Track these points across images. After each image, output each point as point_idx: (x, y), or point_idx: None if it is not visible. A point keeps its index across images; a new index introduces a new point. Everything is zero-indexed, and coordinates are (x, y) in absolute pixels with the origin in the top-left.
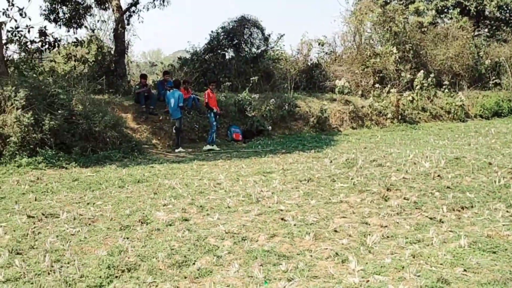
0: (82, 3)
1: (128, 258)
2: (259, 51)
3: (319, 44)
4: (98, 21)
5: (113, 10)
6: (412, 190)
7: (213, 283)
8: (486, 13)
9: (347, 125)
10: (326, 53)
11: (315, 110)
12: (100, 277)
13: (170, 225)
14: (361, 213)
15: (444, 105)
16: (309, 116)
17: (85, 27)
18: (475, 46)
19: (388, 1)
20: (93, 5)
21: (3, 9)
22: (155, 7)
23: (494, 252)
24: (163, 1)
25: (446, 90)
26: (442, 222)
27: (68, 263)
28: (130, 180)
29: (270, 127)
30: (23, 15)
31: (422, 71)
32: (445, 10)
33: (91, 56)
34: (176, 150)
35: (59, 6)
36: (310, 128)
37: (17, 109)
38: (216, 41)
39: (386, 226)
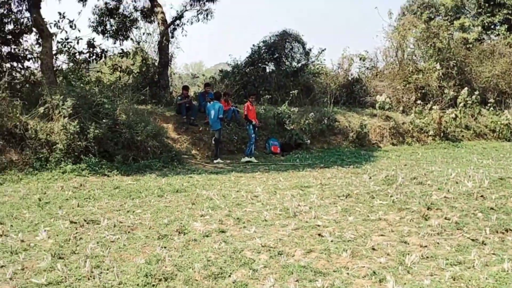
0: (129, 16)
1: (165, 267)
2: (300, 65)
3: (360, 59)
4: (143, 33)
5: (158, 23)
6: (454, 210)
7: None
8: None
9: (387, 141)
10: (367, 68)
11: (354, 125)
12: (137, 285)
13: (207, 236)
14: (400, 232)
15: (489, 123)
16: (348, 131)
17: (131, 39)
18: None
19: (432, 17)
20: (139, 18)
21: (55, 21)
22: (198, 20)
23: None
24: (207, 15)
25: (491, 108)
26: (485, 244)
27: (108, 269)
28: (169, 189)
29: (308, 141)
30: (73, 27)
31: (466, 88)
32: (492, 27)
33: (136, 68)
34: (215, 161)
35: (107, 18)
36: (349, 143)
37: (64, 117)
38: (257, 54)
39: (425, 246)
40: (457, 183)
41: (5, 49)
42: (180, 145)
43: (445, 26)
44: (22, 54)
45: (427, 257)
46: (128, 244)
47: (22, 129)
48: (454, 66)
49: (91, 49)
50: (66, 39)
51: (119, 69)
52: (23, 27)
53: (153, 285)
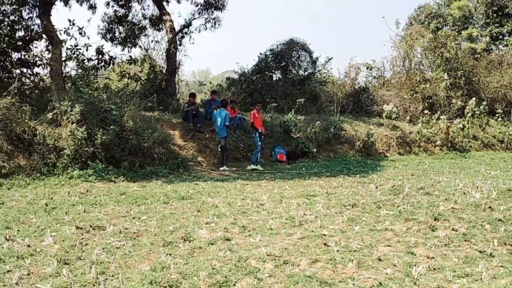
0: (137, 23)
1: (170, 275)
2: (307, 73)
3: (367, 68)
4: (151, 41)
5: (166, 31)
6: (461, 221)
7: None
8: None
9: (394, 151)
10: (374, 77)
11: (361, 134)
12: None
13: (212, 244)
14: (407, 243)
15: (497, 134)
16: (355, 140)
17: (139, 46)
18: None
19: (440, 27)
20: (147, 26)
21: (65, 28)
22: (206, 29)
23: None
24: (215, 23)
25: (500, 119)
26: (493, 256)
27: (113, 276)
28: (175, 196)
29: (315, 149)
30: (82, 34)
31: (474, 98)
32: (500, 37)
33: (144, 75)
34: (221, 169)
35: (116, 26)
36: (355, 152)
37: (72, 123)
38: (264, 62)
39: (432, 258)
40: (464, 194)
41: (16, 55)
42: (186, 152)
43: (453, 36)
44: (32, 60)
45: (434, 269)
46: (134, 251)
47: (31, 135)
48: (462, 76)
49: (100, 56)
50: (76, 46)
51: (127, 76)
52: (33, 34)
53: None
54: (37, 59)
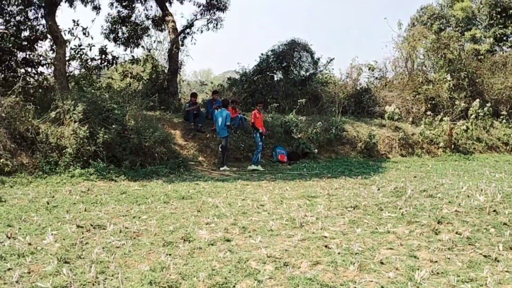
0: (140, 24)
1: (170, 275)
2: (308, 74)
3: (369, 68)
4: (154, 41)
5: (168, 32)
6: (465, 225)
7: None
8: None
9: (396, 152)
10: (376, 78)
11: (363, 135)
12: None
13: (212, 244)
14: (409, 246)
15: (502, 136)
16: (356, 141)
17: (142, 46)
18: None
19: (443, 28)
20: (150, 27)
21: (69, 28)
22: (208, 29)
23: None
24: (217, 24)
25: (504, 121)
26: (498, 261)
27: (112, 275)
28: (175, 196)
29: (316, 150)
30: (86, 34)
31: (478, 99)
32: (504, 38)
33: (146, 74)
34: (221, 168)
35: (119, 26)
36: (357, 153)
37: (75, 122)
38: (266, 63)
39: (436, 261)
40: (468, 196)
41: (21, 55)
42: (187, 152)
43: (456, 37)
44: (36, 60)
45: (438, 273)
46: (133, 250)
47: (34, 133)
48: (465, 77)
49: (103, 56)
50: (79, 46)
51: (129, 75)
52: (38, 34)
53: None
54: (41, 58)
